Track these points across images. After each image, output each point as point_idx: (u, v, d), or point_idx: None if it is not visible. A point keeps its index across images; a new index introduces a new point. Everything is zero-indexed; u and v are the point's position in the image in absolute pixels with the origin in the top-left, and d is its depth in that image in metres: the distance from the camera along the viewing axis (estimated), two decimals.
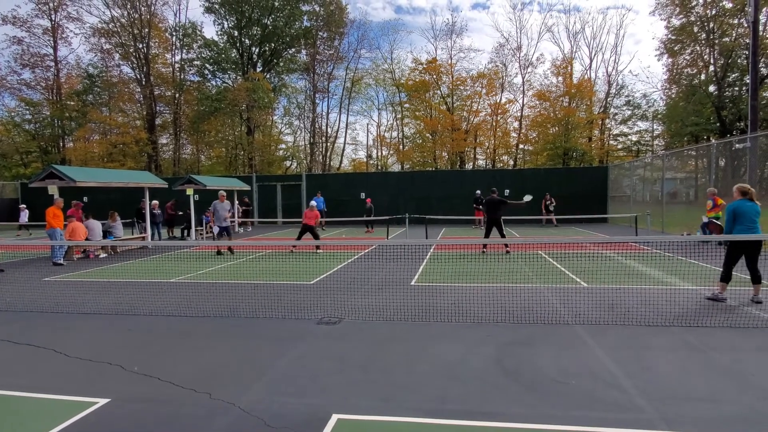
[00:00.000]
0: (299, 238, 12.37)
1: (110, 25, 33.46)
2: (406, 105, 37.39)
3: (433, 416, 3.17)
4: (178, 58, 35.56)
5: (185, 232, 16.81)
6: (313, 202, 13.13)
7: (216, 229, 12.40)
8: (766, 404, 3.26)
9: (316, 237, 12.38)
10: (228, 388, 3.69)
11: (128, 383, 3.85)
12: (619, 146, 35.94)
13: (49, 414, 3.31)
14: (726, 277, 6.04)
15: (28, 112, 34.37)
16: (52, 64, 34.00)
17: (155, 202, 15.76)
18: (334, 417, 3.17)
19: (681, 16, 30.23)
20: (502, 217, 11.52)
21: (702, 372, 3.88)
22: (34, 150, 35.13)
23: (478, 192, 20.37)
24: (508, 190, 21.87)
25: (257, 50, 35.77)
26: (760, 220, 6.00)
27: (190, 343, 4.94)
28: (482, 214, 19.57)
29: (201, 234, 17.22)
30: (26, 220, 21.26)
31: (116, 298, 7.04)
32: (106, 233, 13.12)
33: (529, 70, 36.00)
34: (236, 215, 20.13)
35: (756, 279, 5.99)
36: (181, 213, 17.83)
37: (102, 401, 3.48)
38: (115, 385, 3.81)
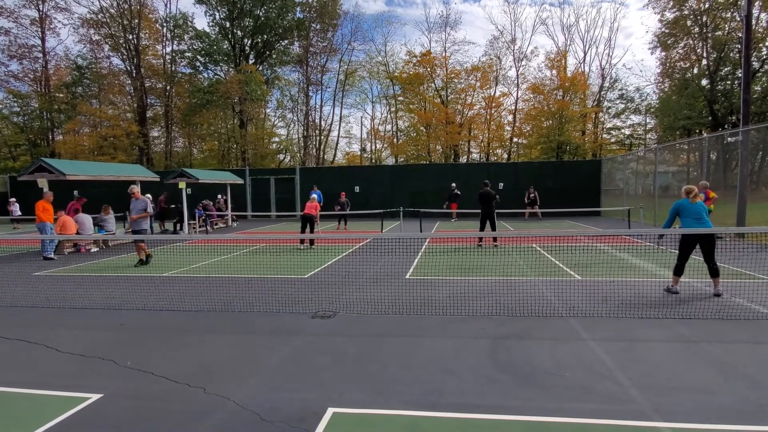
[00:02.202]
0: (303, 231, 12.11)
1: (99, 16, 32.86)
2: (400, 98, 37.21)
3: (428, 409, 3.18)
4: (169, 49, 35.08)
5: (177, 225, 16.70)
6: (313, 195, 12.95)
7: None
8: (758, 395, 3.30)
9: (312, 230, 12.20)
10: (222, 382, 3.67)
11: (121, 378, 3.82)
12: (612, 140, 36.10)
13: (41, 410, 3.27)
14: (678, 271, 6.21)
15: (16, 104, 33.83)
16: (40, 55, 33.42)
17: (148, 195, 15.60)
18: (330, 411, 3.17)
19: (674, 9, 30.27)
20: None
21: (694, 363, 3.92)
22: (23, 143, 34.62)
23: (454, 185, 20.40)
24: (502, 184, 21.91)
25: (249, 42, 35.35)
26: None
27: (184, 337, 4.90)
28: (456, 207, 19.62)
29: (194, 228, 17.11)
30: (19, 213, 21.00)
31: (108, 293, 6.97)
32: (98, 227, 12.98)
33: (524, 63, 36.07)
34: (230, 208, 20.05)
35: (713, 273, 6.05)
36: (173, 206, 17.67)
37: (95, 396, 3.45)
38: (108, 380, 3.78)
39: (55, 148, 33.31)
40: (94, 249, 12.27)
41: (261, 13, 33.77)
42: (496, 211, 11.71)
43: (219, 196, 20.47)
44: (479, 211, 11.62)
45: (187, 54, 35.24)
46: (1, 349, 4.58)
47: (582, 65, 35.41)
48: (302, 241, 12.00)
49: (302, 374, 3.84)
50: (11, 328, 5.26)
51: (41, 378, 3.84)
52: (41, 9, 32.46)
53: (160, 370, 3.93)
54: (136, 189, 10.10)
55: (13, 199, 21.84)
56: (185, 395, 3.47)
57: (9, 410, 3.32)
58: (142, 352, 4.44)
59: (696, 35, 29.95)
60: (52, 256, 10.81)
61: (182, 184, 15.98)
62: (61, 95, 34.36)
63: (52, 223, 11.13)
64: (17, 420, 3.15)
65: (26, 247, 12.81)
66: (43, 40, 33.17)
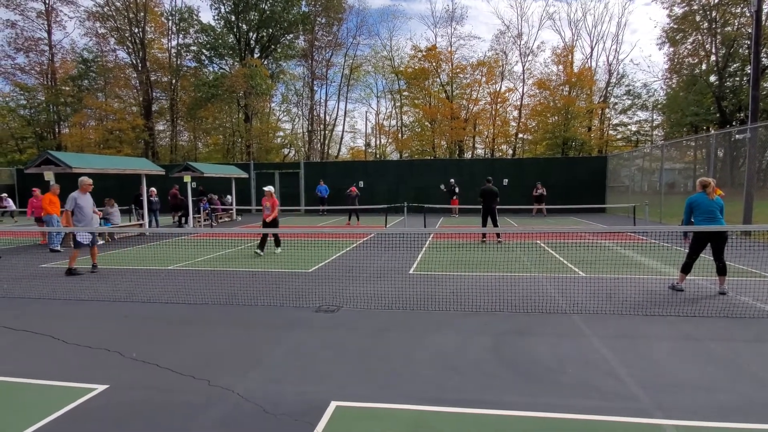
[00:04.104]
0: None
1: (105, 9, 32.93)
2: (405, 93, 37.04)
3: (431, 404, 3.19)
4: (174, 43, 35.11)
5: (183, 219, 16.77)
6: (266, 189, 10.20)
7: (85, 238, 7.88)
8: (761, 393, 3.29)
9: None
10: (226, 375, 3.70)
11: (126, 370, 3.85)
12: (619, 136, 35.79)
13: (47, 400, 3.31)
14: (686, 269, 6.15)
15: (22, 97, 33.99)
16: (47, 48, 33.51)
17: (153, 189, 15.68)
18: (333, 404, 3.19)
19: (683, 4, 29.91)
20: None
21: (698, 361, 3.91)
22: (30, 136, 34.83)
23: (453, 180, 20.36)
24: (506, 180, 21.84)
25: (255, 36, 35.28)
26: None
27: (189, 330, 4.94)
28: (457, 203, 19.56)
29: (198, 221, 17.18)
30: (13, 207, 20.96)
31: (114, 285, 7.03)
32: (104, 220, 13.05)
33: (530, 58, 35.65)
34: (234, 204, 20.09)
35: (721, 271, 6.00)
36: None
37: (100, 387, 3.49)
38: (114, 371, 3.82)
39: (61, 141, 33.50)
40: (100, 242, 12.33)
41: (266, 7, 33.68)
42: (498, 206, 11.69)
43: (209, 196, 19.32)
44: (481, 206, 11.61)
45: (192, 48, 35.28)
46: (8, 340, 4.64)
47: (589, 61, 35.08)
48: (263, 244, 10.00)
49: (306, 368, 3.86)
50: (18, 319, 5.32)
51: (47, 369, 3.89)
52: (47, 2, 32.56)
53: (164, 362, 3.97)
54: (86, 181, 8.37)
55: (5, 195, 21.72)
56: (189, 387, 3.50)
57: (16, 400, 3.36)
58: (147, 343, 4.48)
59: (705, 31, 29.58)
60: (59, 248, 10.90)
61: (187, 178, 16.04)
62: (67, 88, 34.50)
63: (59, 215, 11.20)
64: (24, 410, 3.19)
65: (33, 239, 12.91)
66: (49, 33, 33.27)
